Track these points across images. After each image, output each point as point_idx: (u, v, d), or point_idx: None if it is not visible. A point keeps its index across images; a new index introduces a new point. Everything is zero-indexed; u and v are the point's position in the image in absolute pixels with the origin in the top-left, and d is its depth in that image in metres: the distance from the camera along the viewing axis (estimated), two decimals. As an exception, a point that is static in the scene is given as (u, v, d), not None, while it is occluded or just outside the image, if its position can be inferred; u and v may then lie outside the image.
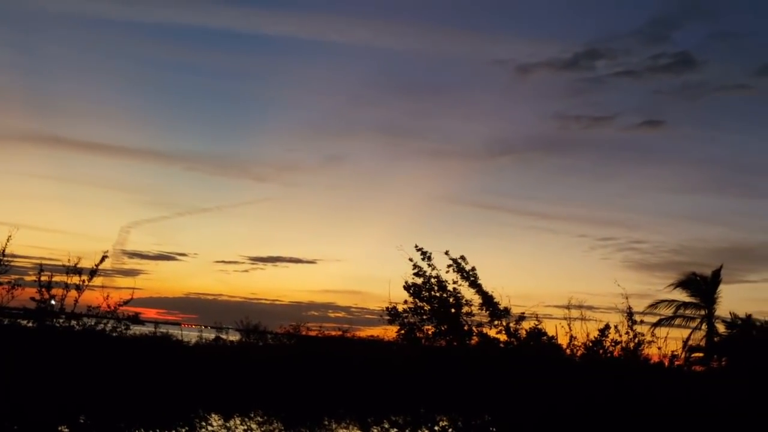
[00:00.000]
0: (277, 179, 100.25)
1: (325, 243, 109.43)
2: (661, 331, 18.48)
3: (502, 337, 17.19)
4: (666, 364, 17.52)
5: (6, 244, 20.27)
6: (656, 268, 77.03)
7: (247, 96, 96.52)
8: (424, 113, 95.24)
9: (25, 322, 21.36)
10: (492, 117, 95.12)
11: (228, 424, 20.72)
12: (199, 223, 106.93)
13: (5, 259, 20.37)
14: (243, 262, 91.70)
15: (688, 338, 36.59)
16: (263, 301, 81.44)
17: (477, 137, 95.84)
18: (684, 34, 77.56)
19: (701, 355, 33.73)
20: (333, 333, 36.86)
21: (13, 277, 20.52)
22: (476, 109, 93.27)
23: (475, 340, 17.26)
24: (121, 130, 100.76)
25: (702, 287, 39.18)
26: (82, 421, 18.88)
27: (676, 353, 17.93)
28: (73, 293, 20.98)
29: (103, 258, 21.35)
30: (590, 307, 17.64)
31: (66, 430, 17.59)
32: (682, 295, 39.68)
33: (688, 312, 39.35)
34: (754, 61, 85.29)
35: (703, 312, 39.15)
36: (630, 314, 17.23)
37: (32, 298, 20.69)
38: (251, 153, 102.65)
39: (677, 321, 39.06)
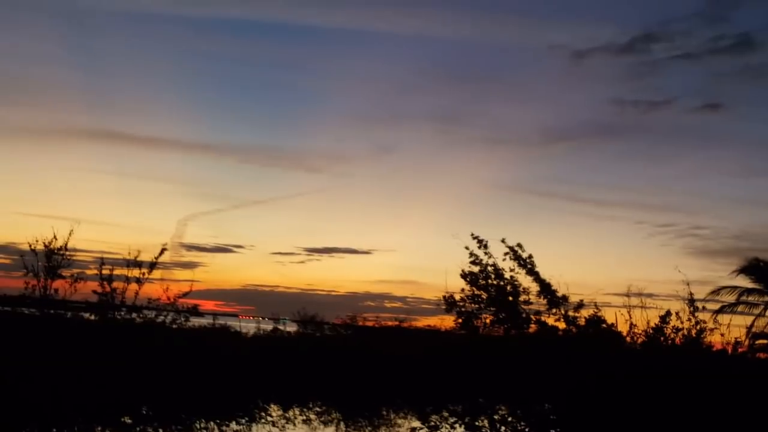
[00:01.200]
0: (330, 170, 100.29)
1: (380, 233, 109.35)
2: (724, 318, 18.16)
3: (561, 325, 17.02)
4: (729, 351, 17.23)
5: (68, 239, 20.64)
6: (718, 254, 75.65)
7: (298, 87, 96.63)
8: (477, 101, 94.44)
9: (87, 314, 21.72)
10: (547, 103, 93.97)
11: (287, 415, 20.83)
12: (254, 215, 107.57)
13: (67, 253, 20.73)
14: (299, 254, 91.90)
15: (751, 325, 35.90)
16: (319, 292, 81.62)
17: (531, 124, 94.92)
18: (744, 14, 75.56)
19: (766, 341, 33.15)
20: (390, 323, 36.90)
21: (75, 271, 20.87)
22: (530, 95, 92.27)
23: (533, 328, 17.11)
24: (176, 124, 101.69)
25: (766, 273, 38.39)
26: (144, 411, 19.13)
27: (739, 340, 17.63)
28: (134, 286, 21.32)
29: (162, 251, 21.66)
30: (650, 295, 17.38)
31: (129, 420, 17.83)
32: (744, 282, 38.87)
33: (751, 298, 38.55)
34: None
35: (767, 298, 38.39)
36: (691, 301, 16.95)
37: (94, 291, 21.04)
38: (303, 144, 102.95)
39: (740, 308, 38.24)
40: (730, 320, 17.96)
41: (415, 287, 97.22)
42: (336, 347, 30.68)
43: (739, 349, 17.41)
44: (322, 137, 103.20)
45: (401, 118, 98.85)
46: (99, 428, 16.67)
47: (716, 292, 38.30)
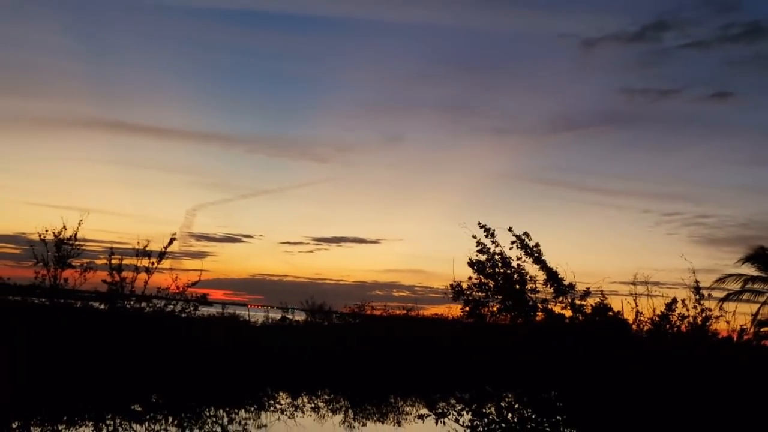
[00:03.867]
0: (338, 159, 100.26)
1: (388, 222, 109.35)
2: (729, 306, 18.30)
3: (567, 313, 17.15)
4: (735, 338, 17.33)
5: (77, 229, 20.79)
6: (723, 242, 75.62)
7: (305, 77, 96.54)
8: (485, 90, 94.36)
9: (97, 304, 21.88)
10: (556, 92, 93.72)
11: (296, 402, 20.97)
12: (262, 205, 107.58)
13: (77, 243, 20.89)
14: (307, 243, 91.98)
15: (756, 313, 36.02)
16: (328, 281, 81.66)
17: (540, 113, 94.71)
18: (754, 2, 75.18)
19: (771, 329, 33.23)
20: (398, 312, 37.00)
21: (84, 260, 21.03)
22: (539, 84, 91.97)
23: (540, 316, 17.24)
24: (183, 114, 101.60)
25: (771, 261, 38.46)
26: (154, 399, 19.29)
27: (744, 328, 17.73)
28: (143, 275, 21.48)
29: (171, 241, 21.84)
30: (656, 283, 17.50)
31: (139, 408, 17.98)
32: (750, 270, 38.97)
33: (756, 286, 38.63)
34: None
35: (772, 286, 38.45)
36: (697, 289, 17.06)
37: (104, 281, 21.20)
38: (311, 134, 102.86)
39: (745, 296, 38.36)
40: (736, 308, 18.11)
41: (422, 276, 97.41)
42: (345, 335, 30.81)
43: (745, 337, 17.53)
44: (329, 127, 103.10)
45: (409, 108, 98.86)
46: (109, 416, 16.80)
47: (722, 280, 38.41)
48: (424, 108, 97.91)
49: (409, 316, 36.01)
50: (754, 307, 36.99)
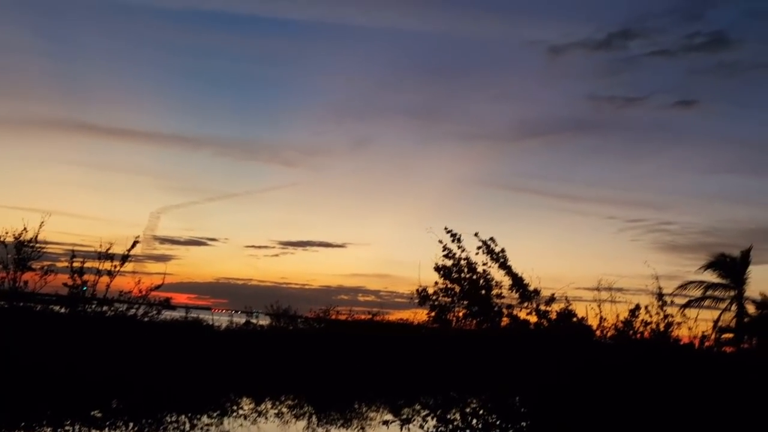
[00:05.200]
0: (306, 163, 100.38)
1: (354, 227, 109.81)
2: (691, 312, 18.42)
3: (532, 319, 17.16)
4: (696, 345, 17.45)
5: (39, 231, 20.54)
6: (686, 249, 76.55)
7: (274, 81, 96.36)
8: (453, 96, 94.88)
9: (57, 307, 21.62)
10: (523, 99, 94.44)
11: (259, 408, 20.86)
12: (228, 209, 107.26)
13: (38, 245, 20.63)
14: (273, 247, 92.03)
15: (718, 319, 36.37)
16: (293, 286, 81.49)
17: (506, 119, 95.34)
18: (719, 12, 76.22)
19: (731, 335, 33.57)
20: (363, 317, 37.01)
21: (45, 263, 20.78)
22: (506, 91, 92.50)
23: (505, 321, 17.24)
24: (149, 116, 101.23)
25: (731, 268, 38.93)
26: (114, 405, 19.09)
27: (706, 334, 17.86)
28: (105, 279, 21.27)
29: (135, 244, 21.66)
30: (620, 289, 17.56)
31: (99, 414, 17.78)
32: (711, 276, 39.50)
33: (717, 293, 39.14)
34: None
35: (732, 293, 38.92)
36: (660, 295, 17.16)
37: (65, 284, 20.95)
38: (279, 138, 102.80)
39: (707, 302, 38.87)
40: (698, 314, 18.22)
41: (388, 281, 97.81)
42: (309, 341, 30.73)
43: (706, 343, 17.63)
44: (297, 131, 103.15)
45: (377, 113, 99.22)
46: (68, 422, 16.60)
47: (684, 286, 38.90)
48: (392, 113, 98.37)
49: (375, 321, 36.02)
50: (716, 313, 37.47)
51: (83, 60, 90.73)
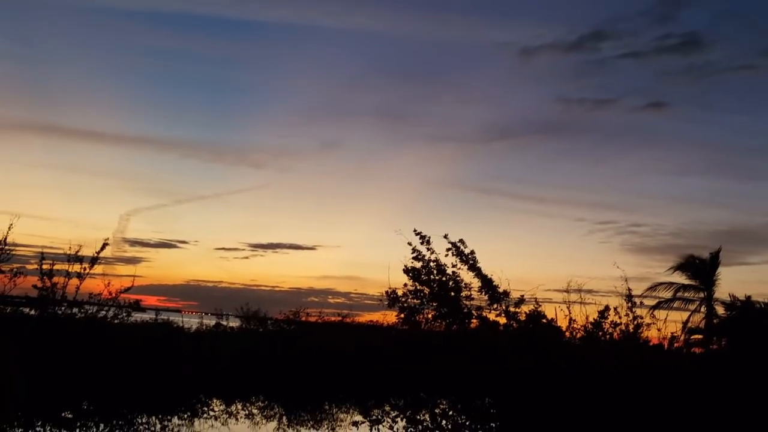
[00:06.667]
0: (274, 165, 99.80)
1: (324, 229, 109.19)
2: (661, 314, 18.54)
3: (502, 320, 17.24)
4: (665, 346, 17.58)
5: (7, 233, 20.38)
6: (655, 251, 76.93)
7: (242, 82, 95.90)
8: (422, 98, 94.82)
9: (27, 310, 21.48)
10: (493, 101, 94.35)
11: (229, 409, 20.83)
12: (198, 211, 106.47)
13: (7, 247, 20.48)
14: (243, 249, 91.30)
15: (687, 320, 36.77)
16: (263, 288, 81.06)
17: (476, 122, 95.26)
18: (692, 14, 76.27)
19: (700, 337, 33.81)
20: (333, 318, 37.00)
21: (14, 265, 20.62)
22: (476, 93, 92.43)
23: (474, 323, 17.31)
24: (118, 118, 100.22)
25: (701, 269, 39.26)
26: (85, 407, 19.00)
27: (675, 335, 18.00)
28: (75, 281, 21.16)
29: (104, 246, 21.54)
30: (589, 291, 17.67)
31: (70, 415, 17.69)
32: (681, 278, 39.80)
33: (687, 294, 39.44)
34: (762, 41, 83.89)
35: (702, 294, 39.24)
36: (629, 297, 17.28)
37: (34, 286, 20.82)
38: (247, 140, 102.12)
39: (676, 303, 39.16)
40: (667, 315, 18.33)
41: (358, 283, 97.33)
42: (279, 342, 30.72)
43: (675, 344, 17.77)
44: (266, 133, 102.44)
45: (346, 115, 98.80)
46: (39, 423, 16.51)
47: (653, 288, 39.18)
48: (361, 115, 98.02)
49: (345, 322, 36.03)
50: (685, 314, 37.78)
51: (50, 62, 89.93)
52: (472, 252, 17.48)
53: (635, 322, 17.10)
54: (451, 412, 17.61)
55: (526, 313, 17.20)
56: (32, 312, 21.39)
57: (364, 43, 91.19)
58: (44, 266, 21.03)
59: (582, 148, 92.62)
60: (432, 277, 17.43)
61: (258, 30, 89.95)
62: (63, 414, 17.81)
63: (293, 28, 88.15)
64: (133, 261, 71.81)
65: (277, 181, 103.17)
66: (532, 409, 15.80)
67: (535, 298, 17.27)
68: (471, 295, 17.45)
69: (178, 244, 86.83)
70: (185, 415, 19.05)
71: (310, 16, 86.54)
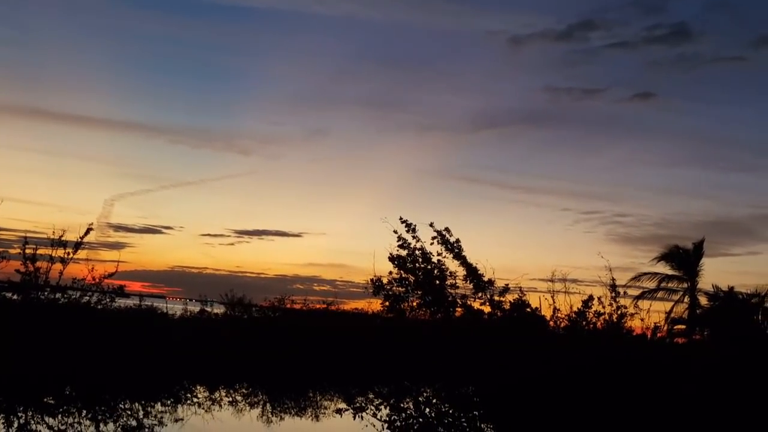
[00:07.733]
0: (261, 152, 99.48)
1: (310, 216, 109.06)
2: (644, 304, 18.62)
3: (486, 309, 17.29)
4: (649, 335, 17.67)
5: (-9, 217, 20.27)
6: (639, 241, 77.30)
7: (230, 68, 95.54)
8: (410, 86, 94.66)
9: (9, 295, 21.37)
10: (481, 90, 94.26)
11: (213, 396, 20.79)
12: (183, 197, 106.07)
13: (-10, 231, 20.38)
14: (228, 236, 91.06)
15: (670, 310, 36.93)
16: (248, 275, 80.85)
17: (463, 111, 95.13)
18: (680, 4, 76.36)
19: (683, 327, 34.04)
20: (318, 306, 36.92)
21: (-2, 249, 20.53)
22: (464, 82, 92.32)
23: (459, 311, 17.34)
24: (104, 102, 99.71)
25: (684, 260, 39.41)
26: (68, 392, 18.93)
27: (658, 325, 18.11)
28: (58, 266, 21.05)
29: (88, 231, 21.42)
30: (574, 280, 17.74)
31: (52, 401, 17.62)
32: (665, 268, 39.97)
33: (670, 285, 39.61)
34: (751, 33, 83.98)
35: (685, 285, 39.41)
36: (613, 286, 17.34)
37: (17, 271, 20.72)
38: (234, 126, 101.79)
39: (660, 294, 39.33)
40: (650, 306, 18.44)
41: (344, 270, 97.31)
42: (264, 329, 30.67)
43: (658, 334, 17.86)
44: (253, 119, 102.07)
45: (334, 102, 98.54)
46: (21, 408, 16.43)
47: (637, 278, 39.32)
48: (349, 103, 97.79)
49: (330, 310, 35.96)
50: (668, 305, 37.93)
51: (37, 46, 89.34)
52: (458, 240, 17.51)
53: (619, 312, 17.19)
54: (434, 400, 17.66)
55: (510, 302, 17.24)
56: (15, 297, 21.29)
57: (352, 30, 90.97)
58: (27, 251, 20.94)
59: (569, 138, 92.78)
60: (417, 265, 17.44)
61: (247, 16, 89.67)
62: (45, 400, 17.73)
63: (282, 15, 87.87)
64: (117, 246, 71.39)
65: (264, 168, 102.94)
66: (514, 398, 15.85)
67: (520, 288, 17.33)
68: (456, 283, 17.49)
69: (164, 230, 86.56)
70: (168, 402, 19.00)
71: (299, 3, 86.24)
